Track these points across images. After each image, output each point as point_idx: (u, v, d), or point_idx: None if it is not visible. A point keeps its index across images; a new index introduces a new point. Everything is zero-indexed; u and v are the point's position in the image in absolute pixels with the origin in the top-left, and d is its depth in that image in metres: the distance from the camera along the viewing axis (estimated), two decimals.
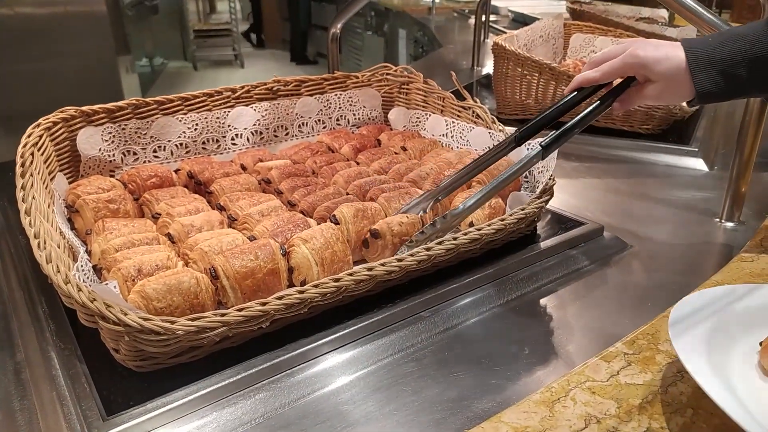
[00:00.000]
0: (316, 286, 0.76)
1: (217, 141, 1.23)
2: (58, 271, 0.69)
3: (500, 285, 0.92)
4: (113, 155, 1.11)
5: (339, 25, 1.55)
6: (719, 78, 0.80)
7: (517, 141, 0.93)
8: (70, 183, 1.05)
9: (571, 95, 0.92)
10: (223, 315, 0.69)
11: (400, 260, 0.82)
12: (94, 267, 0.81)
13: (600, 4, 2.91)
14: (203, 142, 1.22)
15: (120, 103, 1.11)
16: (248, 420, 0.67)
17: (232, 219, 0.96)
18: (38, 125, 1.00)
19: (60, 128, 1.04)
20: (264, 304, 0.72)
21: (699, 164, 1.45)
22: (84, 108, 1.08)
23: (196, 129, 1.20)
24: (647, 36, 2.14)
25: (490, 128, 1.22)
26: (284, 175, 1.10)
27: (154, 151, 1.16)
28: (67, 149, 1.06)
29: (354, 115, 1.41)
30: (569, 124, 0.89)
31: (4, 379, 0.73)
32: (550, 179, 1.02)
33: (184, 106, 1.19)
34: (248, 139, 1.27)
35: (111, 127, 1.10)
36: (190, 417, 0.66)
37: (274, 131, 1.31)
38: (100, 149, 1.09)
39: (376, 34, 5.13)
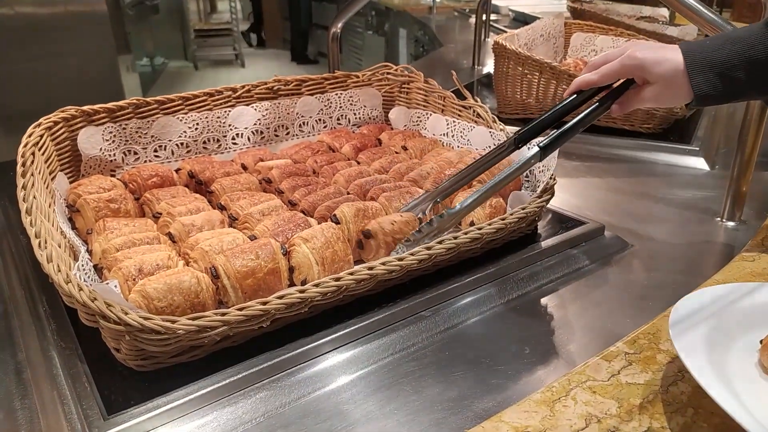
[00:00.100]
0: (316, 285, 0.76)
1: (218, 140, 1.23)
2: (59, 271, 0.69)
3: (501, 284, 0.92)
4: (114, 155, 1.11)
5: (339, 25, 1.55)
6: (717, 80, 0.80)
7: (516, 144, 0.93)
8: (71, 182, 1.05)
9: (571, 98, 0.92)
10: (223, 314, 0.69)
11: (400, 259, 0.82)
12: (94, 266, 0.82)
13: (601, 3, 2.91)
14: (204, 142, 1.22)
15: (121, 103, 1.11)
16: (249, 419, 0.67)
17: (232, 218, 0.97)
18: (39, 125, 1.00)
19: (61, 128, 1.04)
20: (265, 303, 0.72)
21: (700, 163, 1.45)
22: (85, 107, 1.08)
23: (196, 128, 1.20)
24: (648, 35, 2.14)
25: (491, 127, 1.22)
26: (285, 174, 1.10)
27: (155, 151, 1.16)
28: (68, 149, 1.06)
29: (354, 114, 1.41)
30: (568, 125, 0.89)
31: (5, 379, 0.73)
32: (550, 178, 1.02)
33: (185, 105, 1.19)
34: (249, 139, 1.27)
35: (112, 126, 1.10)
36: (191, 416, 0.67)
37: (275, 131, 1.31)
38: (100, 149, 1.09)
39: (376, 33, 5.13)
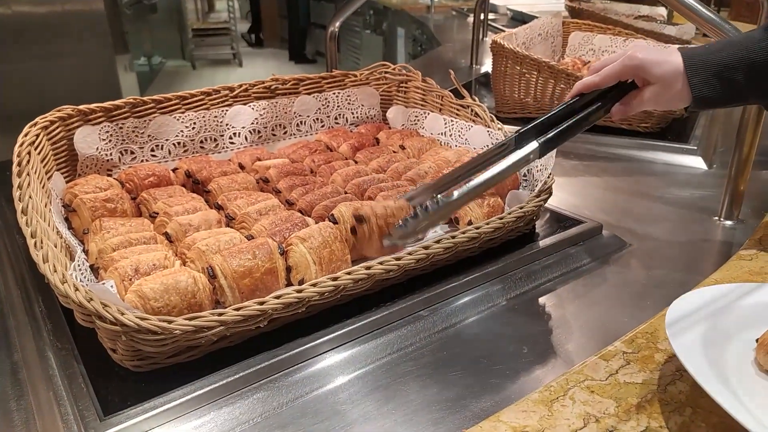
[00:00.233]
0: (314, 285, 0.76)
1: (215, 140, 1.23)
2: (55, 271, 0.68)
3: (499, 284, 0.92)
4: (110, 154, 1.11)
5: (337, 24, 1.55)
6: (716, 82, 0.81)
7: (517, 143, 0.92)
8: (67, 182, 1.04)
9: (573, 101, 0.92)
10: (220, 314, 0.69)
11: (398, 259, 0.82)
12: (91, 266, 0.81)
13: (599, 2, 2.91)
14: (201, 141, 1.21)
15: (117, 102, 1.11)
16: (246, 419, 0.67)
17: (230, 218, 0.96)
18: (35, 124, 0.99)
19: (57, 127, 1.04)
20: (262, 303, 0.72)
21: (698, 162, 1.45)
22: (81, 107, 1.07)
23: (193, 128, 1.19)
24: (646, 34, 2.14)
25: (489, 127, 1.21)
26: (282, 174, 1.10)
27: (152, 150, 1.16)
28: (65, 148, 1.06)
29: (352, 113, 1.40)
30: (568, 123, 0.89)
31: (1, 379, 0.72)
32: (548, 178, 1.02)
33: (182, 104, 1.19)
34: (246, 138, 1.26)
35: (108, 126, 1.10)
36: (188, 417, 0.66)
37: (272, 130, 1.30)
38: (97, 148, 1.09)
39: (374, 32, 5.13)
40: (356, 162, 1.20)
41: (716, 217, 1.16)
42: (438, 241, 0.86)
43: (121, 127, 1.11)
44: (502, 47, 1.72)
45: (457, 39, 3.17)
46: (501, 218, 0.93)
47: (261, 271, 0.80)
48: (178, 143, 1.18)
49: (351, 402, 0.70)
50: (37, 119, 1.01)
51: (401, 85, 1.41)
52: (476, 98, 1.27)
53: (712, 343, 0.68)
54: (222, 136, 1.23)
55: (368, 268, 0.80)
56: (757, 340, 0.69)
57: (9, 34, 2.60)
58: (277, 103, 1.29)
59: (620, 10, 2.64)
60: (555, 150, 1.02)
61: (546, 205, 1.05)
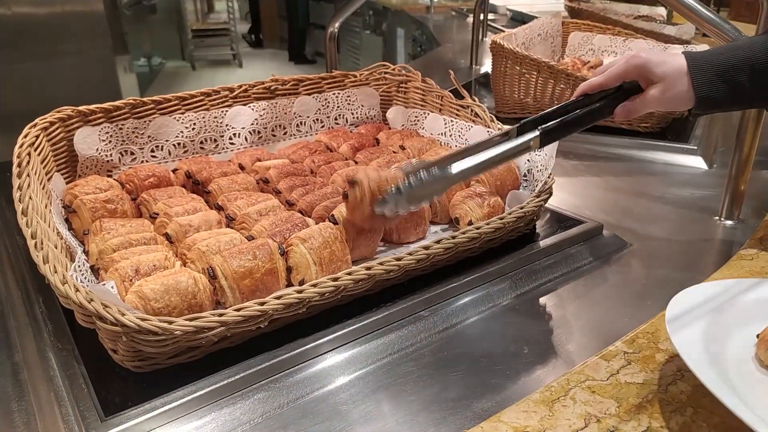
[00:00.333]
0: (314, 285, 0.76)
1: (215, 140, 1.23)
2: (56, 272, 0.68)
3: (499, 284, 0.92)
4: (110, 155, 1.11)
5: (337, 24, 1.55)
6: (720, 84, 0.81)
7: (518, 134, 0.92)
8: (67, 183, 1.04)
9: (576, 100, 0.92)
10: (221, 315, 0.69)
11: (398, 259, 0.82)
12: (91, 267, 0.81)
13: (598, 2, 2.91)
14: (201, 142, 1.21)
15: (117, 103, 1.11)
16: (247, 420, 0.67)
17: (230, 218, 0.96)
18: (35, 125, 0.99)
19: (57, 128, 1.04)
20: (262, 303, 0.72)
21: (698, 162, 1.45)
22: (81, 108, 1.07)
23: (193, 128, 1.19)
24: (645, 34, 2.14)
25: (489, 127, 1.21)
26: (282, 174, 1.10)
27: (152, 151, 1.16)
28: (65, 149, 1.06)
29: (352, 114, 1.40)
30: (571, 116, 0.89)
31: (2, 380, 0.72)
32: (549, 178, 1.02)
33: (182, 105, 1.19)
34: (246, 139, 1.26)
35: (108, 126, 1.10)
36: (189, 417, 0.66)
37: (272, 130, 1.30)
38: (97, 149, 1.09)
39: (374, 33, 5.13)
40: (356, 162, 1.20)
41: (717, 217, 1.16)
42: (438, 242, 0.86)
43: (121, 128, 1.11)
44: (501, 47, 1.72)
45: (456, 39, 3.17)
46: (501, 218, 0.93)
47: (261, 272, 0.80)
48: (178, 144, 1.18)
49: (352, 402, 0.70)
50: (36, 120, 1.01)
51: (401, 85, 1.41)
52: (476, 98, 1.27)
53: (713, 338, 0.68)
54: (222, 136, 1.23)
55: (369, 268, 0.80)
56: (757, 336, 0.69)
57: (9, 35, 2.60)
58: (276, 103, 1.29)
59: (620, 10, 2.64)
60: (555, 150, 1.02)
61: (546, 205, 1.05)
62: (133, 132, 1.13)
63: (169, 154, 1.18)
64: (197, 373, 0.70)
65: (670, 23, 2.58)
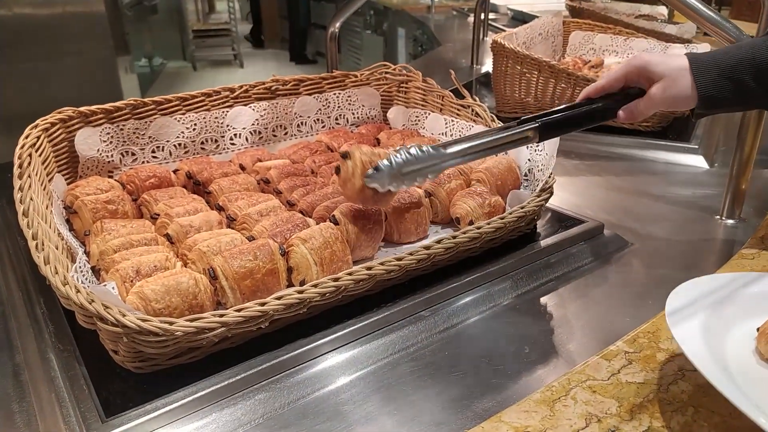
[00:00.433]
0: (315, 285, 0.76)
1: (216, 141, 1.23)
2: (57, 273, 0.69)
3: (500, 284, 0.92)
4: (111, 156, 1.11)
5: (338, 24, 1.55)
6: (722, 82, 0.81)
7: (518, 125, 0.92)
8: (68, 184, 1.04)
9: (579, 102, 0.92)
10: (221, 315, 0.69)
11: (399, 259, 0.82)
12: (92, 268, 0.81)
13: (599, 2, 2.90)
14: (202, 142, 1.21)
15: (118, 104, 1.11)
16: (248, 421, 0.67)
17: (230, 219, 0.96)
18: (36, 126, 0.99)
19: (58, 129, 1.04)
20: (263, 304, 0.72)
21: (699, 161, 1.45)
22: (82, 108, 1.07)
23: (194, 129, 1.19)
24: (646, 33, 2.14)
25: (490, 126, 1.21)
26: (283, 174, 1.10)
27: (153, 152, 1.16)
28: (65, 150, 1.06)
29: (353, 114, 1.40)
30: (571, 112, 0.89)
31: (3, 381, 0.72)
32: (549, 177, 1.01)
33: (183, 106, 1.19)
34: (247, 139, 1.26)
35: (109, 127, 1.10)
36: (190, 418, 0.66)
37: (273, 131, 1.30)
38: (98, 150, 1.09)
39: (375, 32, 5.13)
40: None
41: (718, 216, 1.16)
42: (439, 241, 0.86)
43: (121, 129, 1.11)
44: (502, 47, 1.72)
45: (457, 39, 3.17)
46: (502, 218, 0.93)
47: (262, 272, 0.80)
48: (179, 144, 1.18)
49: (353, 403, 0.70)
50: (37, 121, 1.01)
51: (402, 85, 1.41)
52: (477, 98, 1.27)
53: (713, 331, 0.68)
54: (223, 137, 1.23)
55: (369, 268, 0.80)
56: (758, 329, 0.69)
57: (10, 35, 2.60)
58: (277, 104, 1.29)
59: (621, 9, 2.64)
60: (556, 149, 1.02)
61: (547, 204, 1.05)
62: (134, 132, 1.13)
63: (170, 154, 1.18)
64: (198, 374, 0.70)
65: (671, 22, 2.58)
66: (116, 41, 3.15)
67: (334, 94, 1.38)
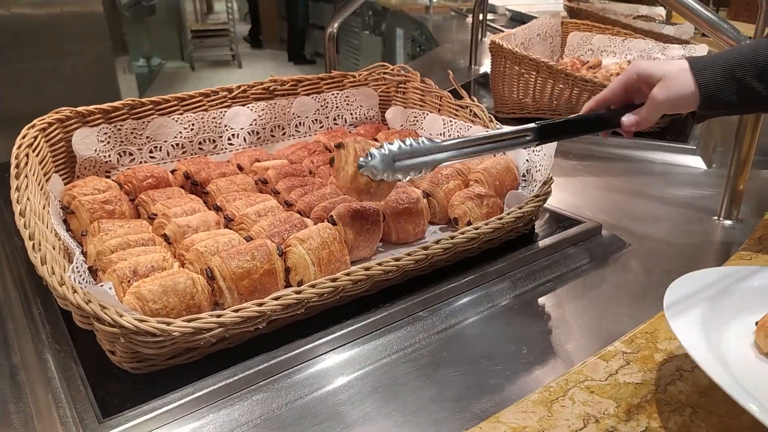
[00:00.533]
0: (313, 286, 0.76)
1: (214, 141, 1.23)
2: (53, 273, 0.68)
3: (498, 284, 0.92)
4: (109, 156, 1.11)
5: (336, 25, 1.55)
6: (724, 82, 0.80)
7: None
8: (65, 184, 1.04)
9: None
10: (219, 316, 0.69)
11: (397, 259, 0.82)
12: (89, 268, 0.81)
13: (597, 2, 2.91)
14: (199, 143, 1.21)
15: (116, 104, 1.10)
16: (245, 421, 0.67)
17: (228, 219, 0.96)
18: (33, 126, 0.99)
19: (55, 129, 1.04)
20: (261, 304, 0.72)
21: (697, 162, 1.45)
22: (79, 108, 1.07)
23: (192, 129, 1.19)
24: (645, 34, 2.15)
25: (488, 127, 1.21)
26: (281, 175, 1.10)
27: (150, 152, 1.16)
28: (63, 150, 1.06)
29: (351, 114, 1.40)
30: (570, 117, 0.89)
31: (0, 382, 0.72)
32: (547, 178, 1.01)
33: (180, 106, 1.18)
34: (245, 139, 1.26)
35: (106, 127, 1.10)
36: (187, 419, 0.66)
37: (271, 131, 1.30)
38: (95, 150, 1.09)
39: (373, 33, 5.13)
40: None
41: (716, 217, 1.16)
42: (437, 242, 0.86)
43: (119, 129, 1.11)
44: (500, 47, 1.72)
45: (455, 39, 3.17)
46: (500, 219, 0.93)
47: (260, 273, 0.80)
48: (177, 145, 1.18)
49: (350, 403, 0.69)
50: (35, 121, 1.01)
51: (400, 85, 1.41)
52: (475, 99, 1.27)
53: (712, 324, 0.68)
54: (220, 137, 1.23)
55: (367, 269, 0.80)
56: (756, 323, 0.69)
57: (8, 35, 2.60)
58: (275, 104, 1.29)
59: (619, 9, 2.65)
60: (554, 150, 1.02)
61: (545, 205, 1.05)
62: (132, 133, 1.13)
63: (168, 154, 1.18)
64: (195, 375, 0.70)
65: (669, 23, 2.59)
66: (114, 41, 3.15)
67: (333, 94, 1.38)
